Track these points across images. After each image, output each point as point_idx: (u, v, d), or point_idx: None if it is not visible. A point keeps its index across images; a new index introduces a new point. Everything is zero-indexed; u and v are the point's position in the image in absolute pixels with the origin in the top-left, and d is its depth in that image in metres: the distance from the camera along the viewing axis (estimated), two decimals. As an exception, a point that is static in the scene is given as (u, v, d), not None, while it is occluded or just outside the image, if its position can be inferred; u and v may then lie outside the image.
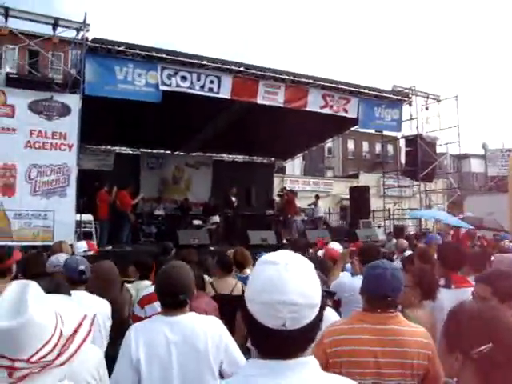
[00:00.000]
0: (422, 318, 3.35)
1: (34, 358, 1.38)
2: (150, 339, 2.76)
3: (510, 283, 3.03)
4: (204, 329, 2.82)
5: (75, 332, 1.50)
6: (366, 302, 2.85)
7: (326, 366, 2.56)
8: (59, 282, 3.15)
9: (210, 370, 2.76)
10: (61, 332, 1.45)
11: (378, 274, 2.80)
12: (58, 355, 1.43)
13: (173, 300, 2.88)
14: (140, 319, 3.67)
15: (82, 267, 3.97)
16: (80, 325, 1.53)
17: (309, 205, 21.47)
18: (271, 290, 1.36)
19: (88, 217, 13.67)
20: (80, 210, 11.95)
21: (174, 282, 2.90)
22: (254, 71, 13.62)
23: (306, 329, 1.37)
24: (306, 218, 20.42)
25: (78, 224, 12.02)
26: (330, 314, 3.37)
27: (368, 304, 2.82)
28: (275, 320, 1.35)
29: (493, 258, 4.36)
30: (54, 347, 1.42)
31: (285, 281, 1.36)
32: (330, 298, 3.80)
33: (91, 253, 5.44)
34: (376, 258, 4.69)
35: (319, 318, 1.42)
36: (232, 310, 4.00)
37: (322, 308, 1.43)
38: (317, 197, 20.74)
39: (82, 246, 5.58)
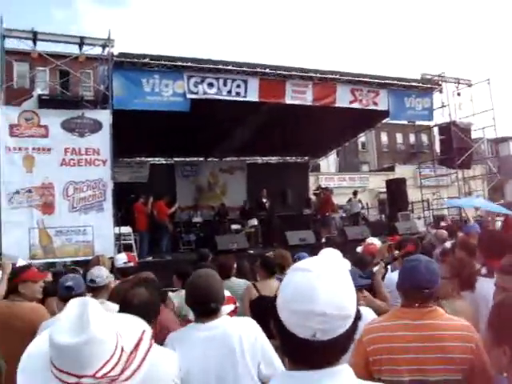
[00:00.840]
0: (461, 308, 3.28)
1: (100, 374, 1.40)
2: (186, 347, 2.78)
3: None
4: (238, 331, 2.83)
5: (137, 347, 1.52)
6: (403, 296, 2.84)
7: (367, 364, 2.57)
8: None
9: (248, 372, 2.76)
10: (122, 348, 1.48)
11: (411, 267, 2.79)
12: (123, 370, 1.45)
13: (204, 309, 2.90)
14: None
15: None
16: (140, 339, 1.55)
17: (347, 202, 21.31)
18: (301, 300, 1.31)
19: (127, 229, 13.84)
20: (118, 222, 12.12)
21: (203, 292, 2.91)
22: (279, 72, 13.61)
23: (339, 340, 1.32)
24: (344, 215, 20.24)
25: (118, 237, 12.19)
26: (366, 313, 3.31)
27: (405, 299, 2.80)
28: (305, 330, 1.30)
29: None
30: (117, 363, 1.44)
31: (315, 290, 1.31)
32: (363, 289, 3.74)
33: (131, 264, 5.45)
34: (415, 251, 4.64)
35: (353, 328, 1.36)
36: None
37: (357, 319, 1.38)
38: (354, 193, 20.60)
39: (122, 257, 5.60)
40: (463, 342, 2.56)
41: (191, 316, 4.63)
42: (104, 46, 12.45)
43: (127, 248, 13.00)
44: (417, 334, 2.57)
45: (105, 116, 11.62)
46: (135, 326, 1.61)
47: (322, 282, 1.32)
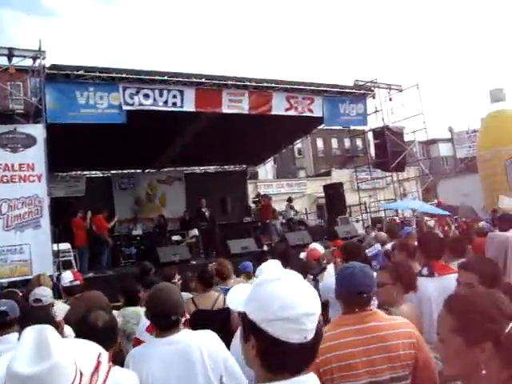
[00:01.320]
0: (407, 312, 3.37)
1: None
2: (146, 363, 2.77)
3: (495, 269, 3.08)
4: (199, 344, 2.84)
5: (97, 369, 1.50)
6: (342, 304, 2.91)
7: (319, 375, 2.58)
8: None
9: None
10: (80, 372, 1.45)
11: (347, 274, 2.87)
12: None
13: (164, 321, 2.91)
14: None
15: (2, 308, 3.82)
16: (99, 362, 1.53)
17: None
18: (294, 305, 1.37)
19: (65, 245, 13.50)
20: (56, 239, 11.79)
21: (165, 304, 2.92)
22: (215, 81, 13.61)
23: (318, 336, 1.42)
24: (283, 221, 20.42)
25: (56, 254, 11.85)
26: None
27: (345, 306, 2.88)
28: (299, 334, 1.36)
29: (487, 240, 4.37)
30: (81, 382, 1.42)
31: (301, 294, 1.41)
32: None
33: (77, 282, 5.31)
34: (358, 254, 4.74)
35: (320, 324, 1.45)
36: (213, 325, 3.98)
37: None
38: (288, 199, 20.78)
39: (68, 276, 5.45)
40: (405, 338, 2.68)
41: (137, 334, 4.57)
42: (35, 58, 12.11)
43: (66, 265, 12.67)
44: (361, 338, 2.65)
45: (38, 130, 11.29)
46: (89, 350, 1.59)
47: (299, 287, 1.43)
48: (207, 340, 2.92)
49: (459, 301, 1.68)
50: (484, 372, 1.54)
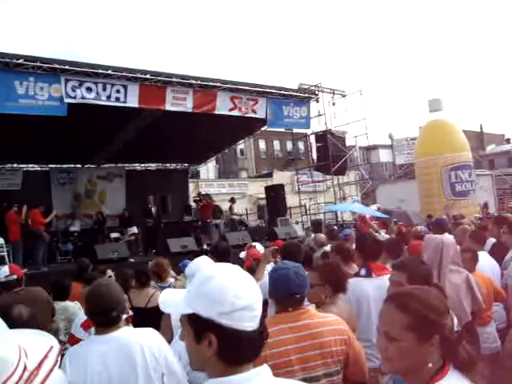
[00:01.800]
0: (336, 314, 3.44)
1: None
2: (86, 362, 2.68)
3: (425, 270, 3.21)
4: (140, 342, 2.78)
5: (40, 364, 1.44)
6: (276, 303, 2.95)
7: None
8: None
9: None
10: (25, 366, 1.39)
11: (281, 275, 2.89)
12: None
13: (105, 318, 2.82)
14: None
15: None
16: (45, 357, 1.47)
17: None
18: (245, 294, 1.42)
19: (-2, 240, 13.07)
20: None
21: (105, 300, 2.84)
22: (160, 78, 13.47)
23: (263, 322, 1.47)
24: (224, 221, 20.41)
25: (-12, 248, 11.47)
26: None
27: (279, 305, 2.92)
28: (253, 320, 1.42)
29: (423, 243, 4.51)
30: (18, 381, 1.36)
31: (247, 282, 1.45)
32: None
33: (14, 277, 5.12)
34: (298, 254, 4.79)
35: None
36: (146, 323, 3.96)
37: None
38: (231, 200, 20.83)
39: (3, 271, 5.24)
40: (338, 335, 2.79)
41: (73, 330, 4.49)
42: (-29, 44, 11.69)
43: (-1, 260, 12.29)
44: (295, 336, 2.72)
45: (-27, 120, 10.91)
46: (43, 344, 1.53)
47: (242, 276, 1.48)
48: (148, 337, 2.86)
49: (410, 298, 1.70)
50: (430, 365, 1.61)
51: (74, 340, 4.13)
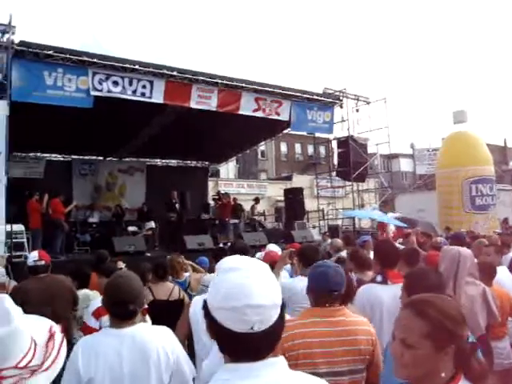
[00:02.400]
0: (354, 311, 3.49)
1: (22, 364, 1.39)
2: (99, 355, 2.68)
3: (437, 279, 3.21)
4: (155, 340, 2.77)
5: (51, 338, 1.50)
6: (313, 299, 3.05)
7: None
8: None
9: (160, 383, 2.72)
10: (34, 341, 1.45)
11: (322, 272, 3.02)
12: (43, 360, 1.43)
13: (122, 310, 2.81)
14: (94, 331, 3.54)
15: None
16: (53, 332, 1.53)
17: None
18: (238, 296, 1.39)
19: (19, 227, 13.21)
20: (10, 219, 11.54)
21: (123, 292, 2.83)
22: (186, 75, 13.55)
23: (272, 328, 1.43)
24: (243, 221, 20.45)
25: (9, 235, 11.61)
26: None
27: (316, 301, 3.02)
28: (244, 324, 1.39)
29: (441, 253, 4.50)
30: (34, 354, 1.42)
31: (250, 285, 1.41)
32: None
33: (42, 262, 5.16)
34: (315, 258, 4.80)
35: (282, 316, 1.47)
36: (169, 315, 4.00)
37: (283, 307, 1.49)
38: (255, 200, 20.96)
39: (33, 255, 5.30)
40: (366, 335, 2.90)
41: (85, 318, 4.53)
42: (4, 32, 11.81)
43: (19, 246, 12.43)
44: (330, 330, 2.83)
45: (1, 107, 11.02)
46: (40, 323, 1.59)
47: (253, 278, 1.43)
48: (163, 336, 2.86)
49: (430, 305, 1.70)
50: (443, 375, 1.62)
51: (86, 328, 4.18)
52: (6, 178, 11.00)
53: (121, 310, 2.82)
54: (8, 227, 11.40)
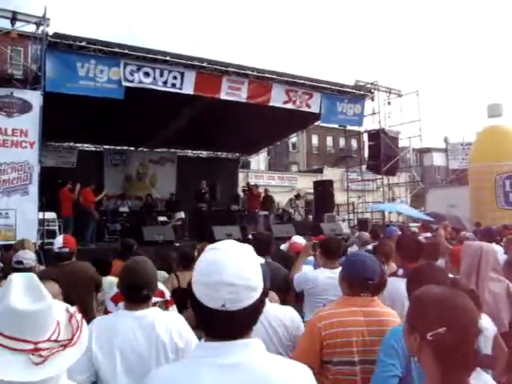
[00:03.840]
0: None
1: (54, 337, 1.45)
2: (111, 335, 2.74)
3: (441, 277, 3.19)
4: (167, 324, 2.83)
5: (72, 316, 1.56)
6: (348, 287, 3.05)
7: (321, 348, 2.82)
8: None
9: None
10: (57, 321, 1.51)
11: (360, 260, 3.07)
12: (72, 335, 1.50)
13: (136, 295, 2.87)
14: None
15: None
16: (71, 311, 1.58)
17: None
18: (210, 272, 1.46)
19: (51, 215, 13.48)
20: (43, 207, 11.77)
21: (138, 277, 2.89)
22: (217, 66, 13.60)
23: (247, 310, 1.46)
24: (273, 213, 20.48)
25: (41, 222, 11.85)
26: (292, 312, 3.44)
27: (350, 289, 3.02)
28: (215, 300, 1.44)
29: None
30: (59, 330, 1.48)
31: (223, 263, 1.46)
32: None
33: (66, 250, 5.23)
34: (337, 250, 4.80)
35: (260, 301, 1.51)
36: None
37: (264, 293, 1.54)
38: (297, 195, 21.09)
39: (58, 242, 5.37)
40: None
41: (110, 307, 4.61)
42: (38, 24, 12.02)
43: (51, 234, 12.67)
44: (366, 320, 2.86)
45: (35, 97, 11.24)
46: (57, 303, 1.62)
47: (229, 257, 1.48)
48: (174, 321, 2.90)
49: (420, 292, 1.81)
50: (415, 358, 1.73)
51: (106, 312, 4.25)
52: (39, 167, 11.22)
53: (135, 295, 2.88)
54: (40, 215, 11.63)
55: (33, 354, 1.39)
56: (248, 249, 1.57)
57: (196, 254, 6.22)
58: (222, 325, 1.46)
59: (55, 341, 1.44)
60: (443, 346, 1.58)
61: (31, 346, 1.40)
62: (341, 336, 2.80)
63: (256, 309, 1.50)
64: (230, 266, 1.45)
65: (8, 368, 1.36)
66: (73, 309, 1.62)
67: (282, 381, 1.46)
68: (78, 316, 1.58)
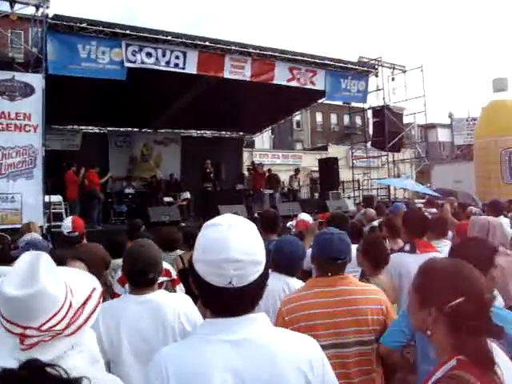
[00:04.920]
0: (384, 280, 3.47)
1: (45, 327, 1.42)
2: (118, 320, 2.75)
3: (488, 252, 3.15)
4: (174, 307, 2.82)
5: (84, 304, 1.53)
6: (317, 267, 3.01)
7: None
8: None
9: None
10: (70, 303, 1.49)
11: (325, 239, 2.94)
12: (68, 326, 1.47)
13: (142, 278, 2.86)
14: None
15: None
16: (89, 297, 1.56)
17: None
18: (216, 250, 1.43)
19: (57, 198, 13.51)
20: (48, 191, 11.80)
21: (143, 261, 2.87)
22: (219, 45, 13.51)
23: (252, 285, 1.46)
24: (279, 192, 20.49)
25: (47, 205, 11.88)
26: (296, 284, 3.42)
27: (319, 269, 2.97)
28: (222, 278, 1.42)
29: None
30: (64, 318, 1.46)
31: (228, 240, 1.43)
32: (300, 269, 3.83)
33: (75, 234, 5.23)
34: (343, 226, 4.80)
35: (264, 275, 1.50)
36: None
37: (267, 266, 1.52)
38: (296, 170, 21.09)
39: (67, 226, 5.36)
40: (374, 304, 2.79)
41: (117, 289, 4.62)
42: (38, 6, 11.90)
43: (57, 217, 12.72)
44: (332, 300, 2.75)
45: (37, 80, 11.18)
46: (86, 283, 1.62)
47: (232, 233, 1.45)
48: (181, 303, 2.89)
49: (429, 264, 1.76)
50: (429, 333, 1.66)
51: (114, 295, 4.27)
52: (43, 151, 11.22)
53: (140, 279, 2.87)
54: (46, 198, 11.66)
55: (20, 340, 1.40)
56: (248, 222, 1.54)
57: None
58: (228, 302, 1.45)
59: (45, 330, 1.42)
60: (461, 316, 1.56)
61: (19, 330, 1.40)
62: (303, 320, 2.70)
63: (261, 283, 1.49)
64: (234, 242, 1.43)
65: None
66: (96, 293, 1.60)
67: (289, 354, 1.47)
68: (91, 304, 1.55)
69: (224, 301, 1.45)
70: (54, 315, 1.44)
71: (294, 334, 1.61)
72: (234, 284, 1.42)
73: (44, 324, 1.42)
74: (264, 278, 1.50)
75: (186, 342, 1.66)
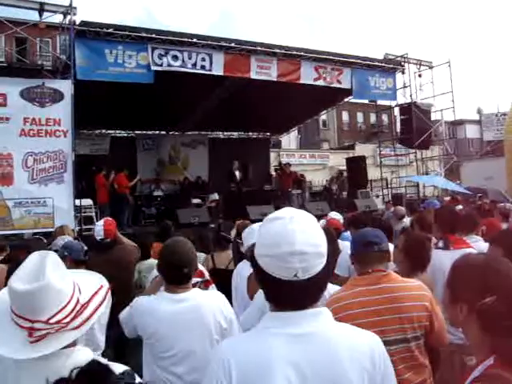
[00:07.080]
0: (423, 278, 3.42)
1: (52, 320, 1.49)
2: (154, 319, 2.79)
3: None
4: (210, 305, 2.85)
5: (90, 299, 1.61)
6: (357, 263, 2.98)
7: None
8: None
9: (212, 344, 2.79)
10: (78, 300, 1.57)
11: (358, 234, 3.07)
12: (73, 319, 1.53)
13: (177, 273, 2.88)
14: None
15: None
16: (95, 293, 1.64)
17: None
18: (280, 243, 1.43)
19: (88, 201, 13.70)
20: (79, 195, 11.96)
21: (178, 256, 2.90)
22: (244, 46, 13.53)
23: (316, 278, 1.46)
24: (307, 191, 20.49)
25: (78, 209, 12.04)
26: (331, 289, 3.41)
27: (359, 264, 2.95)
28: (287, 271, 1.43)
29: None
30: (70, 312, 1.53)
31: (292, 233, 1.44)
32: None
33: (107, 241, 5.27)
34: (367, 224, 4.78)
35: (327, 267, 1.50)
36: (225, 283, 4.10)
37: (329, 258, 1.52)
38: (340, 173, 21.09)
39: (99, 233, 5.39)
40: (418, 300, 2.75)
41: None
42: (65, 14, 12.10)
43: (88, 220, 12.89)
44: (375, 298, 2.72)
45: (66, 86, 11.34)
46: (94, 282, 1.71)
47: (295, 225, 1.46)
48: (217, 301, 2.92)
49: (460, 260, 1.74)
50: (460, 330, 1.66)
51: None
52: (73, 155, 11.37)
53: (175, 273, 2.89)
54: (77, 202, 11.82)
55: (29, 333, 1.47)
56: (308, 214, 1.55)
57: (235, 230, 6.24)
58: (293, 295, 1.46)
59: (53, 323, 1.49)
60: (492, 314, 1.52)
61: (28, 324, 1.48)
62: (348, 320, 2.55)
63: (325, 275, 1.49)
64: (299, 235, 1.44)
65: (9, 344, 1.48)
66: (103, 290, 1.66)
67: (353, 350, 1.48)
68: (97, 299, 1.63)
69: (289, 294, 1.46)
70: (61, 310, 1.52)
71: (357, 330, 1.60)
72: (300, 277, 1.43)
73: (51, 317, 1.49)
74: (327, 269, 1.50)
75: (247, 335, 1.68)
